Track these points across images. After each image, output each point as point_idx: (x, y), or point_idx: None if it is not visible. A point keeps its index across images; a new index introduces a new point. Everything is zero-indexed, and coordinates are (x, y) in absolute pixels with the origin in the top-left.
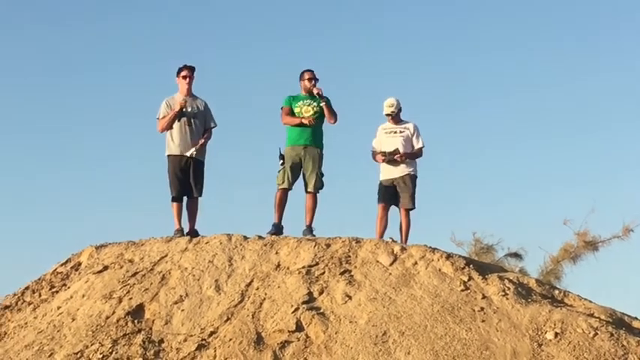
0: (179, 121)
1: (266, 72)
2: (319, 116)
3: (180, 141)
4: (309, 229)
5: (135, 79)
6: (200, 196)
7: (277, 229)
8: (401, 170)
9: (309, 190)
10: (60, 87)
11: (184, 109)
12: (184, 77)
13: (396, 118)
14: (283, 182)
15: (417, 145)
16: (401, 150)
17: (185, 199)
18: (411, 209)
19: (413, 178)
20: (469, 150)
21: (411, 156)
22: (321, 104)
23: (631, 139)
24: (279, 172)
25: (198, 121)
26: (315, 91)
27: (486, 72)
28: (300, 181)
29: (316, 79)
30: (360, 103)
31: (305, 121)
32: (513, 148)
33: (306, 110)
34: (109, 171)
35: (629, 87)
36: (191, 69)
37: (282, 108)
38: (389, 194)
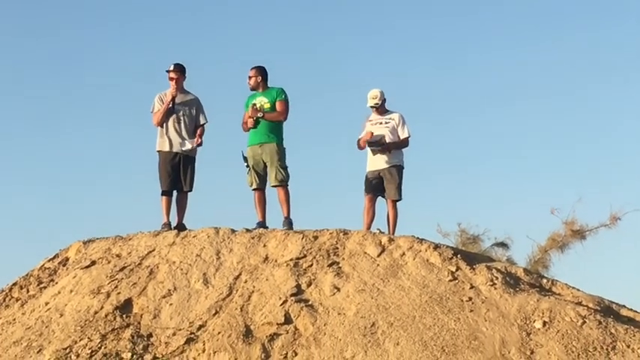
0: (170, 117)
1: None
2: (272, 111)
3: (170, 137)
4: (288, 221)
5: (125, 73)
6: (190, 190)
7: (262, 227)
8: (387, 161)
9: (272, 184)
10: (48, 82)
11: (175, 103)
12: (171, 79)
13: (380, 109)
14: (252, 183)
15: (403, 135)
16: (387, 141)
17: (175, 193)
18: (397, 200)
19: (399, 169)
20: (454, 140)
21: (397, 146)
22: (261, 119)
23: (618, 127)
24: (247, 174)
25: (188, 118)
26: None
27: (472, 62)
28: None
29: (257, 76)
30: (347, 94)
31: (250, 124)
32: (499, 137)
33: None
34: (97, 166)
35: (614, 75)
36: (178, 70)
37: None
38: (375, 185)
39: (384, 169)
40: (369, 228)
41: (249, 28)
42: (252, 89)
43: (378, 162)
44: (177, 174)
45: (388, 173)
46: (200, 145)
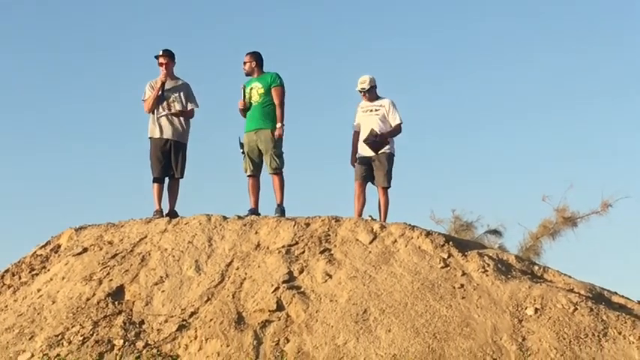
0: (160, 103)
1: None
2: (268, 97)
3: (161, 123)
4: (280, 208)
5: (116, 60)
6: (181, 177)
7: (253, 214)
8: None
9: (268, 172)
10: (38, 67)
11: (164, 89)
12: (161, 64)
13: (371, 95)
14: (247, 170)
15: (394, 122)
16: (376, 129)
17: (166, 180)
18: (387, 187)
19: (389, 156)
20: (448, 128)
21: (391, 134)
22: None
23: (609, 115)
24: (242, 160)
25: (178, 104)
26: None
27: (466, 48)
28: None
29: (252, 62)
30: (341, 81)
31: (239, 106)
32: (492, 125)
33: (252, 94)
34: (88, 153)
35: (605, 63)
36: (167, 55)
37: None
38: (365, 172)
39: (374, 156)
40: (360, 215)
41: (245, 15)
42: (247, 74)
43: (368, 149)
44: (169, 161)
45: (377, 160)
46: (177, 115)
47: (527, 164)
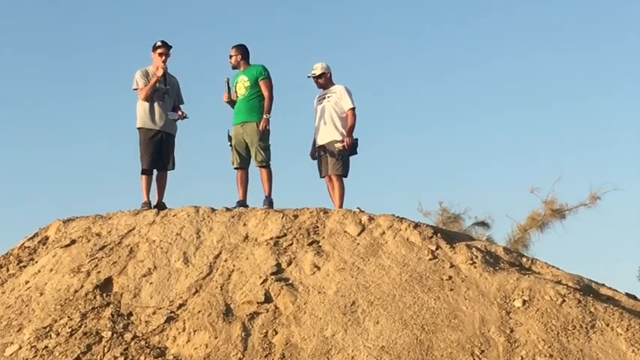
0: (153, 95)
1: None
2: (254, 90)
3: (152, 115)
4: (268, 200)
5: (105, 52)
6: (173, 169)
7: (241, 206)
8: (329, 137)
9: (255, 165)
10: (27, 60)
11: (166, 79)
12: (160, 54)
13: (324, 82)
14: (234, 162)
15: (347, 106)
16: (333, 115)
17: (155, 172)
18: (341, 175)
19: (339, 144)
20: (435, 119)
21: (350, 131)
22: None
23: (597, 107)
24: (230, 153)
25: (169, 97)
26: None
27: (455, 40)
28: None
29: (237, 55)
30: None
31: (224, 99)
32: (479, 118)
33: (239, 88)
34: (76, 145)
35: (595, 57)
36: (167, 46)
37: None
38: (323, 162)
39: (328, 144)
40: (341, 205)
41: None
42: (234, 68)
43: (325, 136)
44: (159, 152)
45: (328, 148)
46: (182, 117)
47: (516, 156)
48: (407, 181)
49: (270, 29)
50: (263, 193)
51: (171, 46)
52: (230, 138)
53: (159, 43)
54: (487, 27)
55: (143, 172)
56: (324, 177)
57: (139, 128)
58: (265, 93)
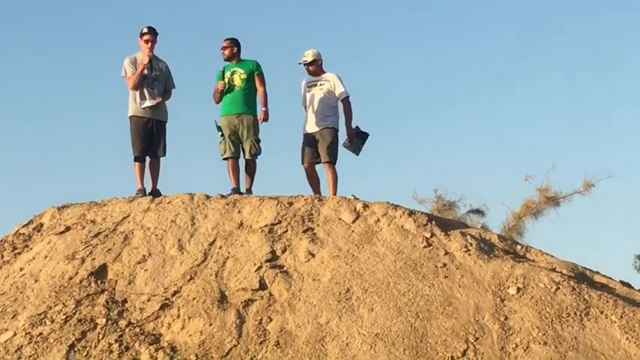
0: (142, 83)
1: (228, 31)
2: (250, 83)
3: (143, 102)
4: (249, 193)
5: (96, 38)
6: (164, 155)
7: (236, 193)
8: (319, 124)
9: (246, 157)
10: (20, 47)
11: (152, 66)
12: (147, 41)
13: (315, 69)
14: (225, 152)
15: (341, 96)
16: (324, 103)
17: (148, 159)
18: (332, 162)
19: (332, 131)
20: (429, 107)
21: (350, 120)
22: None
23: (591, 94)
24: (220, 143)
25: (159, 83)
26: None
27: (450, 24)
28: None
29: (232, 47)
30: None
31: (219, 87)
32: (474, 105)
33: (234, 79)
34: (70, 131)
35: (589, 42)
36: (154, 32)
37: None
38: (311, 152)
39: (317, 132)
40: (318, 193)
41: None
42: (227, 59)
43: (313, 125)
44: (150, 139)
45: (320, 136)
46: (160, 104)
47: (510, 144)
48: (402, 169)
49: (253, 21)
50: (244, 186)
51: (157, 32)
52: (219, 128)
53: (145, 30)
54: (481, 16)
55: (135, 159)
56: (305, 164)
57: (130, 117)
58: (261, 88)
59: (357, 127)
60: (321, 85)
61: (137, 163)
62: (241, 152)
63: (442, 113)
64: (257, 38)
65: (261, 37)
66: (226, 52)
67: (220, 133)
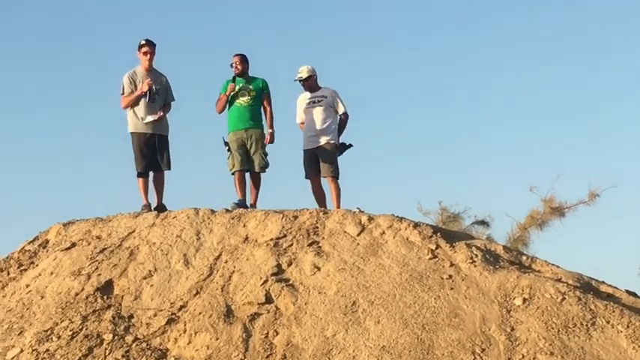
0: (143, 98)
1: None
2: (257, 100)
3: (144, 118)
4: (253, 207)
5: (97, 51)
6: (169, 169)
7: (241, 204)
8: (321, 140)
9: (255, 169)
10: (22, 60)
11: (151, 92)
12: (145, 53)
13: (311, 85)
14: (234, 166)
15: (341, 111)
16: (326, 119)
17: (151, 174)
18: (335, 177)
19: (333, 146)
20: (435, 119)
21: (340, 134)
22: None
23: (596, 105)
24: (227, 158)
25: (160, 97)
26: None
27: (458, 40)
28: None
29: (243, 64)
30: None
31: (229, 90)
32: (478, 116)
33: (243, 94)
34: (75, 147)
35: (592, 52)
36: (152, 45)
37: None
38: (314, 167)
39: (318, 147)
40: (323, 206)
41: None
42: (239, 75)
43: (312, 141)
44: (154, 155)
45: (322, 151)
46: (161, 118)
47: (515, 155)
48: (406, 181)
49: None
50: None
51: (155, 44)
52: (226, 144)
53: (143, 42)
54: (484, 24)
55: (139, 175)
56: (311, 180)
57: (131, 133)
58: (268, 107)
59: (342, 142)
60: (319, 101)
61: (140, 179)
62: (249, 165)
63: (446, 125)
64: (257, 44)
65: (260, 40)
66: (237, 67)
67: (227, 148)
